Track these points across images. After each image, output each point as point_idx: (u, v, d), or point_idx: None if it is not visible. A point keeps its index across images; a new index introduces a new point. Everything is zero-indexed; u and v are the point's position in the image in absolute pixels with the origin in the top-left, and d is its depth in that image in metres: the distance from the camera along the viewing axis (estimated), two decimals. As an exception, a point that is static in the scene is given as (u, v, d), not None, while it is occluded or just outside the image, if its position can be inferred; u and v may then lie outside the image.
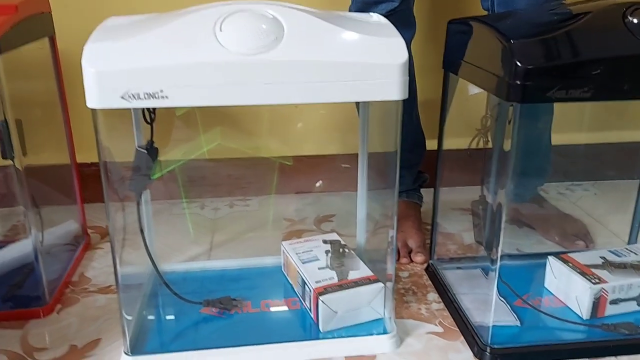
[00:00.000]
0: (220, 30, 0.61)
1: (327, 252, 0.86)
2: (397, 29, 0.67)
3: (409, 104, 1.03)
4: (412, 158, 1.09)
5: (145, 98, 0.59)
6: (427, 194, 1.09)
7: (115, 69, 0.58)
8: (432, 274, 0.92)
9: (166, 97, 0.60)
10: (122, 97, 0.59)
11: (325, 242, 0.90)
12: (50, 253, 0.92)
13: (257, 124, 1.22)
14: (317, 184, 1.27)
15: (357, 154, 0.87)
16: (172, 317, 0.80)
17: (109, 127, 0.66)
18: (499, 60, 0.63)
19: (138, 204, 0.75)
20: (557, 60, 0.61)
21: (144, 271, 0.87)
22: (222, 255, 1.01)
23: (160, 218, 1.15)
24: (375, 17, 0.73)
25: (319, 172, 1.26)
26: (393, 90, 0.63)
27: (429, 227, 0.98)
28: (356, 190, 0.89)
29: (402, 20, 0.93)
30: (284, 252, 0.89)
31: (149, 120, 0.72)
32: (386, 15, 0.74)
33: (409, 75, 0.63)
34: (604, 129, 1.29)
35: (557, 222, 1.05)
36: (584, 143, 1.30)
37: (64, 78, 0.95)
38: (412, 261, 0.97)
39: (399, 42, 0.64)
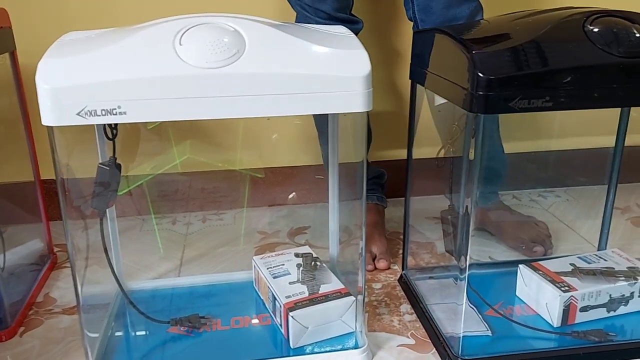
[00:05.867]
0: (180, 44, 0.60)
1: (298, 265, 0.85)
2: None
3: None
4: None
5: (102, 114, 0.58)
6: (398, 203, 1.09)
7: (70, 85, 0.57)
8: (405, 284, 0.92)
9: (124, 113, 0.58)
10: (79, 114, 0.58)
11: (297, 255, 0.88)
12: (13, 274, 0.89)
13: (230, 136, 1.21)
14: (291, 196, 1.26)
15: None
16: (138, 337, 0.78)
17: (71, 142, 0.65)
18: (462, 71, 0.63)
19: (101, 221, 0.73)
20: (518, 70, 0.61)
21: (111, 290, 0.84)
22: (193, 271, 0.99)
23: (131, 234, 1.13)
24: (339, 29, 0.72)
25: (292, 184, 1.25)
26: (357, 102, 0.62)
27: (401, 237, 0.98)
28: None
29: None
30: (255, 267, 0.88)
31: (110, 137, 0.71)
32: None
33: None
34: (573, 135, 1.31)
35: (515, 228, 1.04)
36: (555, 149, 1.31)
37: (26, 93, 0.93)
38: (376, 268, 0.97)
39: (362, 54, 0.64)
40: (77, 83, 0.57)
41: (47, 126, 0.59)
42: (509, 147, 1.06)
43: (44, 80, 0.57)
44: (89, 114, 0.58)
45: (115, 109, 0.58)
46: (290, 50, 0.63)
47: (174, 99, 0.59)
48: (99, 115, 0.58)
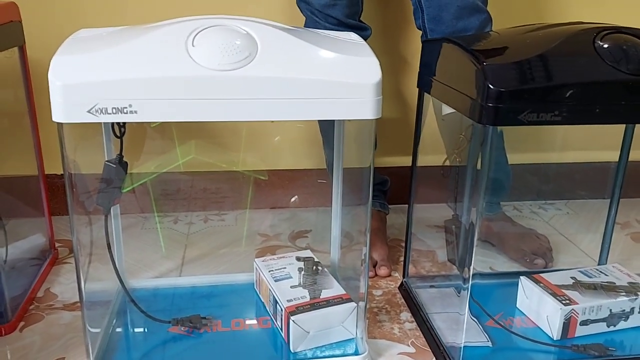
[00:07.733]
0: (193, 45, 0.61)
1: (300, 269, 0.85)
2: None
3: None
4: None
5: (113, 113, 0.58)
6: (400, 210, 1.09)
7: (83, 83, 0.57)
8: (406, 292, 0.92)
9: (135, 112, 0.58)
10: (89, 112, 0.58)
11: (298, 259, 0.89)
12: (14, 268, 0.89)
13: (234, 137, 1.21)
14: (293, 199, 1.26)
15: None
16: (139, 335, 0.78)
17: (78, 138, 0.65)
18: (471, 82, 0.63)
19: (106, 218, 0.73)
20: (528, 83, 0.62)
21: (112, 287, 0.84)
22: (194, 271, 0.99)
23: (133, 232, 1.13)
24: (350, 36, 0.72)
25: (294, 187, 1.25)
26: (366, 109, 0.62)
27: (402, 244, 0.98)
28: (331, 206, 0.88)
29: None
30: (256, 269, 0.88)
31: (118, 135, 0.71)
32: None
33: None
34: (575, 148, 1.31)
35: (517, 240, 1.04)
36: (556, 162, 1.31)
37: (34, 88, 0.93)
38: (376, 274, 0.97)
39: (373, 61, 0.64)
40: (89, 80, 0.57)
41: (57, 122, 0.59)
42: (511, 159, 1.06)
43: (57, 76, 0.57)
44: (99, 111, 0.58)
45: (126, 107, 0.58)
46: (302, 55, 0.63)
47: (184, 99, 0.59)
48: (110, 114, 0.58)
